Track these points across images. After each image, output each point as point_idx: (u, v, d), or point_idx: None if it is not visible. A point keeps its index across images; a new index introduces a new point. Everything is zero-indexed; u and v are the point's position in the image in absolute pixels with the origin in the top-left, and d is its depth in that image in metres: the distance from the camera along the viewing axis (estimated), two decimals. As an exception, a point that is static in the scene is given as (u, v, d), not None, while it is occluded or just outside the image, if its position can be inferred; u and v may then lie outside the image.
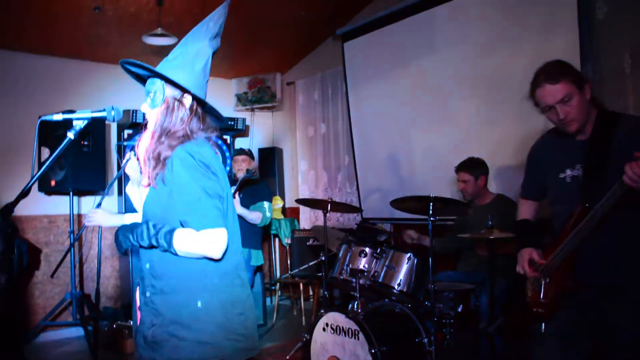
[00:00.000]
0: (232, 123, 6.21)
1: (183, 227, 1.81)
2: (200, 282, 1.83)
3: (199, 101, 1.94)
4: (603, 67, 3.81)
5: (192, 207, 1.78)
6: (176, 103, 1.90)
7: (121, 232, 1.87)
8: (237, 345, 1.85)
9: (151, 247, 1.84)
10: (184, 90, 1.90)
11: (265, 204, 4.58)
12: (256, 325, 1.97)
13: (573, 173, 2.29)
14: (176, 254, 1.80)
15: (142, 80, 2.03)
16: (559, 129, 2.32)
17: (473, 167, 4.00)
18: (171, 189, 1.82)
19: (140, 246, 1.87)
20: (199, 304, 1.80)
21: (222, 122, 2.03)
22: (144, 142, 1.93)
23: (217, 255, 1.79)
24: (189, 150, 1.82)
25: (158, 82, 1.90)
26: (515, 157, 4.30)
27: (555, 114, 2.23)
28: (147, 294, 1.86)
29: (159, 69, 1.91)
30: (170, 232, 1.78)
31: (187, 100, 1.92)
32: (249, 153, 4.82)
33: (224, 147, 6.32)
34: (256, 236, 4.69)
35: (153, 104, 1.91)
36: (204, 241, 1.76)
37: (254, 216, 4.50)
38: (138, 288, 1.96)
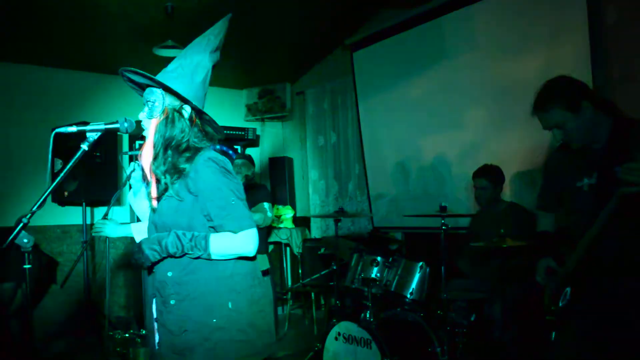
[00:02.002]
0: (243, 133, 6.23)
1: (216, 231, 1.85)
2: (228, 284, 1.88)
3: (198, 112, 1.95)
4: (614, 73, 3.79)
5: (227, 210, 1.84)
6: (175, 114, 1.91)
7: (146, 246, 1.86)
8: (264, 340, 1.92)
9: (181, 255, 1.85)
10: (183, 101, 1.91)
11: (265, 204, 4.57)
12: (273, 321, 2.04)
13: (590, 182, 2.28)
14: (208, 259, 1.84)
15: (142, 89, 2.03)
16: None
17: (492, 174, 3.95)
18: (197, 197, 1.86)
19: (168, 256, 1.87)
20: (230, 305, 1.86)
21: (221, 135, 2.05)
22: (147, 154, 1.93)
23: (253, 253, 1.88)
24: (211, 157, 1.87)
25: (157, 92, 1.91)
26: (527, 164, 4.28)
27: (555, 136, 2.28)
28: (172, 302, 1.87)
29: (158, 78, 1.91)
30: (205, 237, 1.82)
31: (186, 111, 1.93)
32: (247, 157, 4.78)
33: (234, 157, 6.34)
34: (261, 240, 4.68)
35: (151, 113, 1.91)
36: (243, 242, 1.84)
37: (257, 217, 4.49)
38: (155, 299, 1.95)
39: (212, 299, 1.85)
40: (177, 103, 1.92)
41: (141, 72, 1.90)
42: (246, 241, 1.85)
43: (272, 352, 1.96)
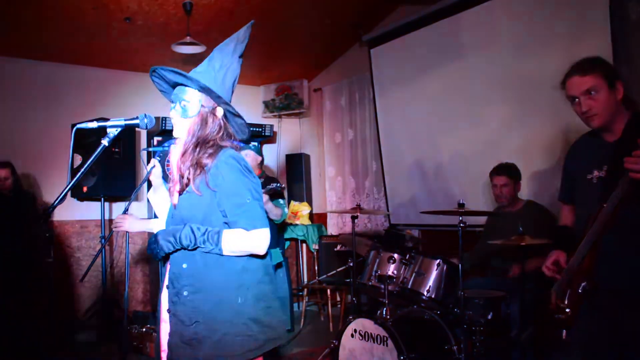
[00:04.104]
0: (260, 130, 6.25)
1: (229, 227, 1.91)
2: (239, 279, 1.93)
3: (231, 113, 2.01)
4: (637, 70, 3.73)
5: (242, 209, 1.89)
6: (209, 114, 1.97)
7: (161, 237, 1.92)
8: (268, 335, 1.96)
9: (194, 248, 1.90)
10: (216, 101, 1.97)
11: (281, 200, 4.56)
12: (282, 316, 2.06)
13: (600, 174, 2.26)
14: (219, 254, 1.89)
15: (169, 88, 2.08)
16: (585, 124, 2.30)
17: (511, 170, 3.94)
18: (215, 192, 1.91)
19: (182, 248, 1.92)
20: (240, 299, 1.91)
21: (246, 135, 2.10)
22: (177, 152, 2.00)
23: (263, 252, 1.93)
24: (233, 156, 1.93)
25: (191, 92, 1.96)
26: (546, 162, 4.24)
27: (580, 107, 2.22)
28: (185, 293, 1.92)
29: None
30: (218, 233, 1.88)
31: (219, 111, 1.99)
32: (253, 149, 4.72)
33: (242, 146, 6.34)
34: (274, 235, 4.69)
35: (185, 113, 1.96)
36: (254, 240, 1.89)
37: (277, 212, 4.49)
38: (167, 290, 2.00)
39: (222, 293, 1.91)
40: (210, 104, 1.98)
41: (178, 71, 1.94)
42: (257, 240, 1.89)
43: (278, 344, 2.01)
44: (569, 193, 2.54)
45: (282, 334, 2.04)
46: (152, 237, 1.95)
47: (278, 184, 4.29)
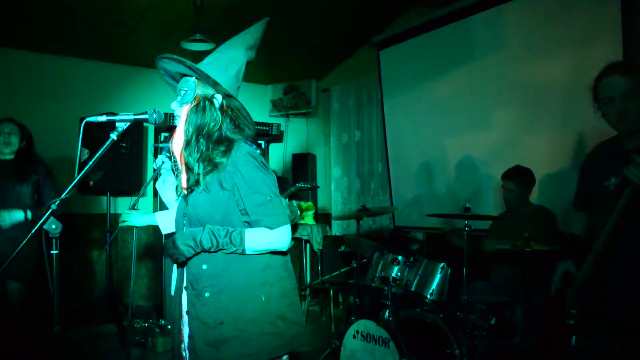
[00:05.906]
0: (267, 129, 6.25)
1: (251, 226, 1.87)
2: (261, 277, 1.89)
3: (229, 100, 1.95)
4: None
5: (264, 207, 1.86)
6: (206, 102, 1.91)
7: (181, 242, 1.86)
8: (294, 332, 1.94)
9: (216, 251, 1.86)
10: (215, 88, 1.92)
11: (294, 202, 4.56)
12: (301, 311, 2.05)
13: (617, 181, 2.26)
14: (242, 253, 1.85)
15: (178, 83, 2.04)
16: (612, 126, 2.30)
17: (520, 177, 3.89)
18: (232, 191, 1.87)
19: (203, 251, 1.87)
20: (263, 297, 1.88)
21: (252, 128, 2.04)
22: (178, 142, 1.94)
23: (286, 248, 1.91)
24: (250, 152, 1.89)
25: (190, 81, 1.93)
26: (554, 165, 4.23)
27: (614, 108, 2.21)
28: (207, 295, 1.87)
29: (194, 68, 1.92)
30: (241, 233, 1.84)
31: (217, 100, 1.93)
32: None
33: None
34: None
35: (182, 100, 1.92)
36: (278, 238, 1.86)
37: (289, 212, 4.48)
38: (186, 292, 1.95)
39: (246, 292, 1.87)
40: (209, 92, 1.93)
41: (176, 57, 1.91)
42: (281, 237, 1.87)
43: (302, 342, 1.98)
44: (581, 200, 2.54)
45: (305, 330, 2.01)
46: (169, 242, 1.88)
47: (302, 184, 4.29)
